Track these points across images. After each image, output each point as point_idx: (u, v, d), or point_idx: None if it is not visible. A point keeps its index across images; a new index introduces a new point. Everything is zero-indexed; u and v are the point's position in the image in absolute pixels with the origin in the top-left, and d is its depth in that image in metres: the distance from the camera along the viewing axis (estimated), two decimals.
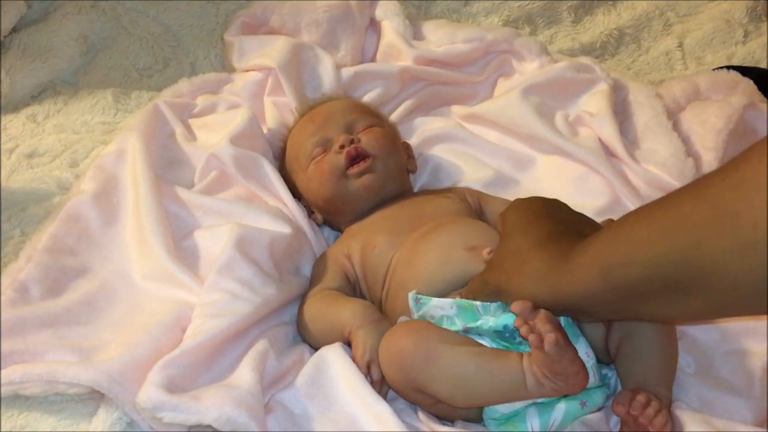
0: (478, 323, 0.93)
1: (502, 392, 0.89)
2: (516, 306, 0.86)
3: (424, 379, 0.90)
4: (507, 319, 0.91)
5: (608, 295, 0.78)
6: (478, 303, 0.94)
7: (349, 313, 1.00)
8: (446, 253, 0.99)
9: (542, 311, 0.86)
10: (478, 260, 0.97)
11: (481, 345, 0.92)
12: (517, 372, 0.86)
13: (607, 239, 0.79)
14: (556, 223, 0.90)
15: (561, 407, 0.91)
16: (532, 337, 0.84)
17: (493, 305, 0.93)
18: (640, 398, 0.87)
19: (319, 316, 1.03)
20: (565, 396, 0.91)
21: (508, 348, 0.91)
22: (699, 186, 0.71)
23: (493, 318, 0.93)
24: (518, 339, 0.91)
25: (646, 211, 0.77)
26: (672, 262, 0.71)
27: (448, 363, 0.89)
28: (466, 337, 0.93)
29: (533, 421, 0.90)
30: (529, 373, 0.86)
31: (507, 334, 0.91)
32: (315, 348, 1.02)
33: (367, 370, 0.95)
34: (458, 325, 0.94)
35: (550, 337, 0.83)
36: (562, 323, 0.93)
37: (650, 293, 0.74)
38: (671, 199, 0.74)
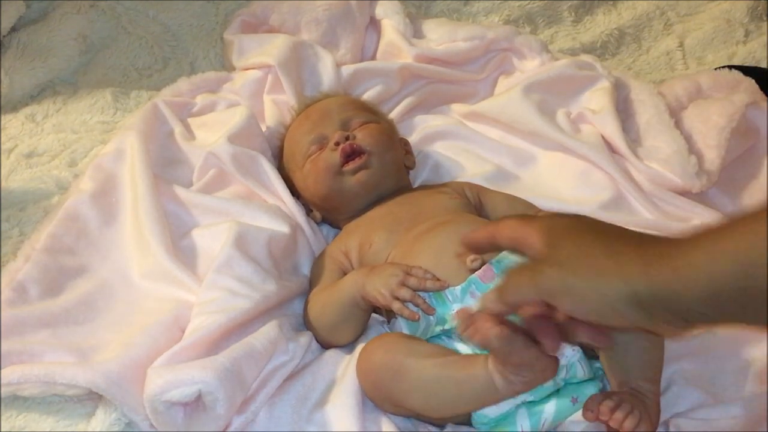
0: (455, 323, 0.93)
1: (475, 398, 0.88)
2: (456, 314, 0.85)
3: (396, 394, 0.91)
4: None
5: (735, 297, 0.67)
6: (446, 291, 0.95)
7: (349, 283, 1.01)
8: (436, 258, 0.99)
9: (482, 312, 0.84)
10: (463, 267, 0.97)
11: (450, 354, 0.92)
12: (484, 376, 0.86)
13: (749, 233, 0.66)
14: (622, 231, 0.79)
15: (551, 406, 0.90)
16: (476, 338, 0.82)
17: (458, 289, 0.95)
18: (608, 402, 0.85)
19: (326, 305, 1.03)
20: (556, 392, 0.90)
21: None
22: None
23: (462, 306, 0.93)
24: None
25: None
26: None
27: (416, 377, 0.89)
28: (435, 346, 0.94)
29: (523, 423, 0.90)
30: (495, 373, 0.85)
31: None
32: (331, 344, 1.03)
33: (398, 303, 0.95)
34: (433, 324, 0.95)
35: (493, 331, 0.81)
36: None
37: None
38: None
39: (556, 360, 0.85)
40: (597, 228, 0.79)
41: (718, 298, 0.68)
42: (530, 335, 0.82)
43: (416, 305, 0.95)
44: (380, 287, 0.96)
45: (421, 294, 0.96)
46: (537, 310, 0.79)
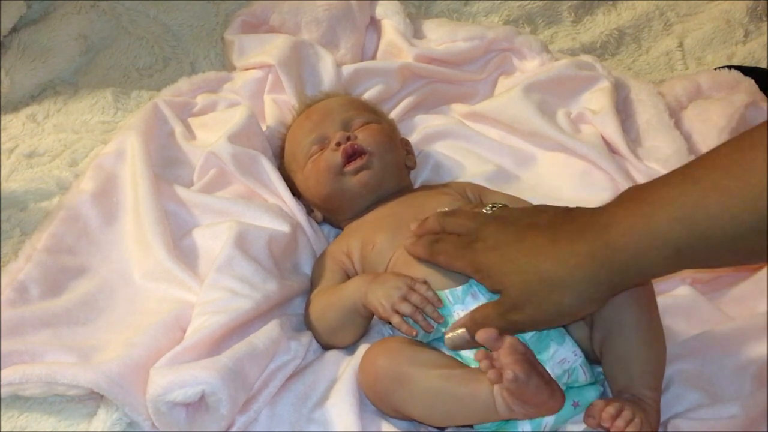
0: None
1: (475, 415, 0.89)
2: (480, 335, 0.85)
3: (396, 401, 0.91)
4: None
5: (678, 267, 0.77)
6: (447, 291, 0.95)
7: (351, 289, 1.01)
8: None
9: (507, 339, 0.84)
10: None
11: (454, 364, 0.92)
12: (487, 397, 0.86)
13: (670, 213, 0.74)
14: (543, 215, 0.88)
15: None
16: (490, 374, 0.83)
17: (459, 290, 0.94)
18: (610, 409, 0.86)
19: (328, 308, 1.03)
20: None
21: None
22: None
23: (463, 308, 0.94)
24: None
25: (707, 177, 0.72)
26: (762, 231, 0.69)
27: (418, 387, 0.89)
28: (438, 354, 0.93)
29: (524, 427, 0.90)
30: (499, 397, 0.85)
31: None
32: (331, 345, 1.03)
33: (398, 318, 0.94)
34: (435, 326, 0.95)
35: (507, 374, 0.82)
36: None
37: (730, 256, 0.74)
38: (735, 160, 0.71)
39: (562, 401, 0.86)
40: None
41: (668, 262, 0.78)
42: (544, 373, 0.85)
43: (416, 321, 0.94)
44: (381, 298, 0.96)
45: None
46: None
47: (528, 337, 0.91)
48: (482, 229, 0.91)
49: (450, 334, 0.91)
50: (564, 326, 0.95)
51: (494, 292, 0.89)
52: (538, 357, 0.90)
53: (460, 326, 0.91)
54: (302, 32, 1.41)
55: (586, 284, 0.80)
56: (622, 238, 0.77)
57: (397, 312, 0.94)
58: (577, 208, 0.87)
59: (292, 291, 1.07)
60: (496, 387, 0.85)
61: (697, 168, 0.75)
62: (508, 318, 0.86)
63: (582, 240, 0.80)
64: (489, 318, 0.87)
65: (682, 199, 0.74)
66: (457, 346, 0.92)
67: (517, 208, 0.95)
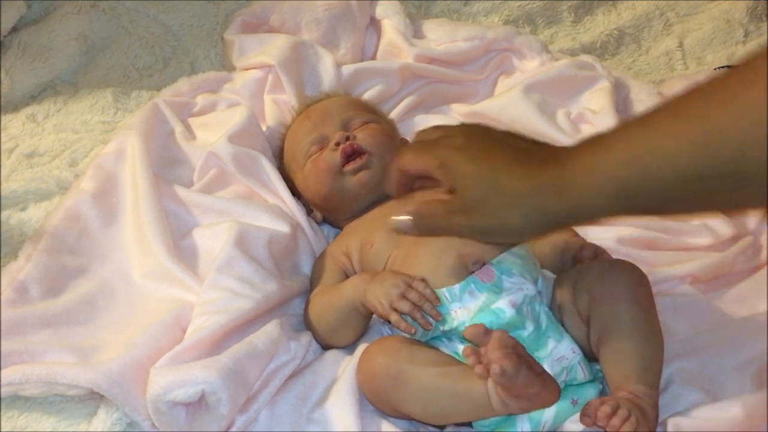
0: (455, 324, 0.94)
1: (472, 413, 0.89)
2: (468, 332, 0.85)
3: (394, 400, 0.91)
4: (481, 314, 0.92)
5: (628, 210, 0.78)
6: (444, 289, 0.95)
7: (349, 288, 1.01)
8: (437, 259, 0.99)
9: (495, 334, 0.84)
10: (464, 268, 0.97)
11: (452, 362, 0.92)
12: (482, 394, 0.86)
13: (620, 154, 0.75)
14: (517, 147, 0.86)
15: (551, 408, 0.90)
16: (477, 369, 0.83)
17: (457, 287, 0.95)
18: (605, 408, 0.85)
19: (327, 308, 1.03)
20: None
21: None
22: (721, 89, 0.69)
23: (460, 306, 0.94)
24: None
25: (660, 122, 0.74)
26: (710, 177, 0.70)
27: (416, 386, 0.89)
28: (436, 353, 0.94)
29: (524, 425, 0.90)
30: (493, 394, 0.85)
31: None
32: (330, 345, 1.03)
33: (396, 316, 0.94)
34: (437, 325, 0.95)
35: (494, 369, 0.81)
36: (544, 320, 0.94)
37: (678, 202, 0.75)
38: (688, 106, 0.72)
39: (557, 394, 0.86)
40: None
41: (612, 213, 0.79)
42: (535, 366, 0.84)
43: (414, 319, 0.94)
44: (380, 297, 0.96)
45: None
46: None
47: (526, 335, 0.92)
48: (452, 130, 0.91)
49: (395, 218, 0.89)
50: (562, 324, 0.95)
51: (448, 190, 0.87)
52: (536, 354, 0.90)
53: (407, 214, 0.89)
54: (302, 32, 1.42)
55: (534, 210, 0.80)
56: (576, 176, 0.78)
57: (396, 310, 0.94)
58: (545, 142, 0.88)
59: (292, 291, 1.07)
60: (489, 383, 0.85)
61: (654, 113, 0.76)
62: (452, 220, 0.85)
63: (543, 168, 0.81)
64: (434, 215, 0.87)
65: (634, 141, 0.75)
66: (401, 231, 0.90)
67: (487, 125, 0.95)
